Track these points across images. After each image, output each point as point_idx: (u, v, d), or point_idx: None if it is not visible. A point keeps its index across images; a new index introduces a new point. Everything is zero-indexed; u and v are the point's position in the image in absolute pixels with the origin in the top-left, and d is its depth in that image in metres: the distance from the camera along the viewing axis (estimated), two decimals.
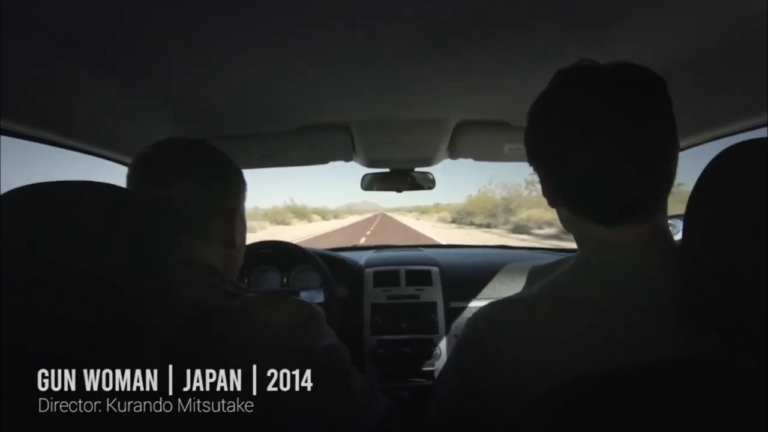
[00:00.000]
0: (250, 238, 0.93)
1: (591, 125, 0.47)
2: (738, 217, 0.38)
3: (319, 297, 1.47)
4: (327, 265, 1.48)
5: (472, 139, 1.35)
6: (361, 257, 1.85)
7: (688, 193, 0.43)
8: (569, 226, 0.57)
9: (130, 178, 0.61)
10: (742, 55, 0.74)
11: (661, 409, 0.38)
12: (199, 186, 0.61)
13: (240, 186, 0.69)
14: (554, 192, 0.56)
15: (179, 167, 0.61)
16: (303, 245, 1.59)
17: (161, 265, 0.42)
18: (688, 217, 0.43)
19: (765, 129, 0.93)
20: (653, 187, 0.49)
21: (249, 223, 0.79)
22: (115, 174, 0.87)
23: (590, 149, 0.48)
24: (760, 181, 0.37)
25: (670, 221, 0.53)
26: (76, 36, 0.67)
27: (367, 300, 1.59)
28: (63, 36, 0.66)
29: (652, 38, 0.74)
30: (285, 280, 1.67)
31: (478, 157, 1.54)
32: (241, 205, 0.70)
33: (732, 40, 0.72)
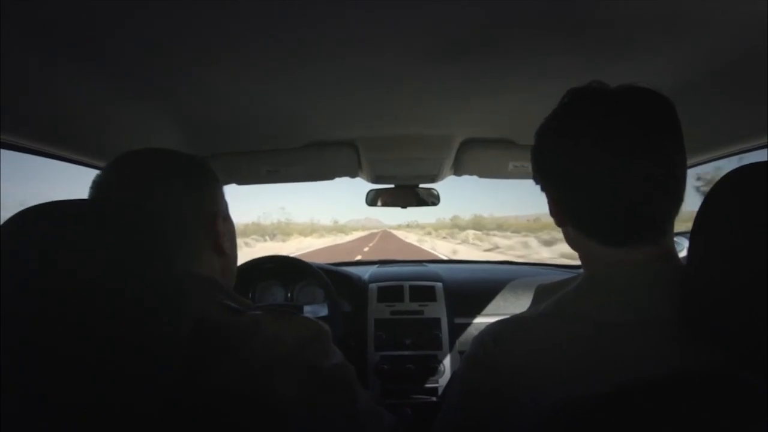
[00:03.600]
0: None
1: (600, 147, 0.48)
2: (743, 238, 0.38)
3: (322, 312, 1.47)
4: (331, 280, 1.48)
5: (477, 157, 1.37)
6: (365, 272, 1.84)
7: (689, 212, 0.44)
8: (575, 245, 0.57)
9: (96, 190, 0.59)
10: (748, 74, 0.76)
11: (670, 425, 0.38)
12: (170, 194, 0.59)
13: (214, 186, 0.67)
14: (562, 211, 0.56)
15: (148, 177, 0.59)
16: (307, 259, 1.60)
17: (168, 277, 0.42)
18: (693, 237, 0.44)
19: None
20: (661, 209, 0.50)
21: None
22: None
23: (599, 171, 0.49)
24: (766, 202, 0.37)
25: (675, 239, 0.54)
26: (84, 51, 0.68)
27: (370, 315, 1.58)
28: (71, 51, 0.67)
29: (657, 59, 0.75)
30: (289, 294, 1.67)
31: (483, 174, 1.55)
32: (221, 206, 0.67)
33: (737, 61, 0.73)
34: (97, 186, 0.59)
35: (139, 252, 0.41)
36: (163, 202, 0.59)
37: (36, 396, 0.35)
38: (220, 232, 0.64)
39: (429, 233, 63.81)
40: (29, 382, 0.35)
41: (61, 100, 0.80)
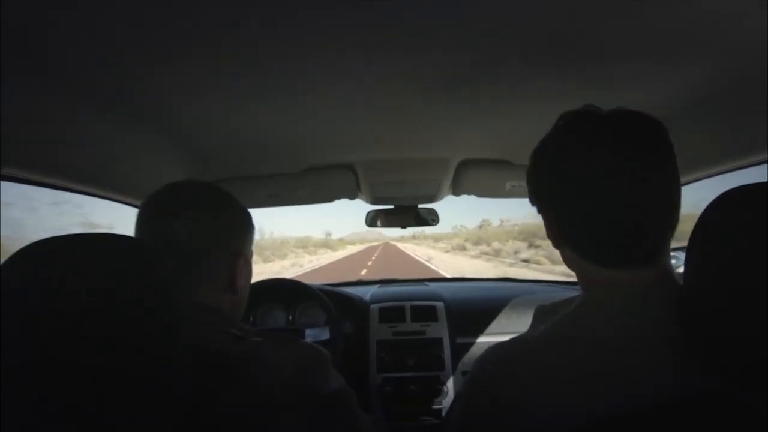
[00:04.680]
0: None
1: (595, 170, 0.49)
2: (739, 259, 0.39)
3: (324, 334, 1.46)
4: (332, 302, 1.48)
5: (475, 177, 1.38)
6: (366, 293, 1.84)
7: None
8: (573, 266, 0.58)
9: (139, 215, 0.62)
10: (740, 95, 0.77)
11: None
12: (198, 223, 0.61)
13: (245, 229, 0.68)
14: (558, 233, 0.57)
15: (181, 204, 0.62)
16: (307, 280, 1.59)
17: (170, 309, 0.43)
18: (689, 258, 0.44)
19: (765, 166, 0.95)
20: (658, 231, 0.50)
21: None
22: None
23: (594, 194, 0.50)
24: (763, 224, 0.38)
25: (672, 254, 0.54)
26: (84, 84, 0.69)
27: (372, 336, 1.57)
28: (73, 85, 0.69)
29: (652, 82, 0.77)
30: (290, 317, 1.66)
31: (481, 194, 1.57)
32: (246, 249, 0.68)
33: (729, 83, 0.75)
34: (142, 205, 0.62)
35: (134, 282, 0.42)
36: (189, 226, 0.60)
37: (32, 421, 0.36)
38: (238, 268, 0.65)
39: (446, 248, 42.45)
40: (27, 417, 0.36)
41: (69, 134, 0.81)
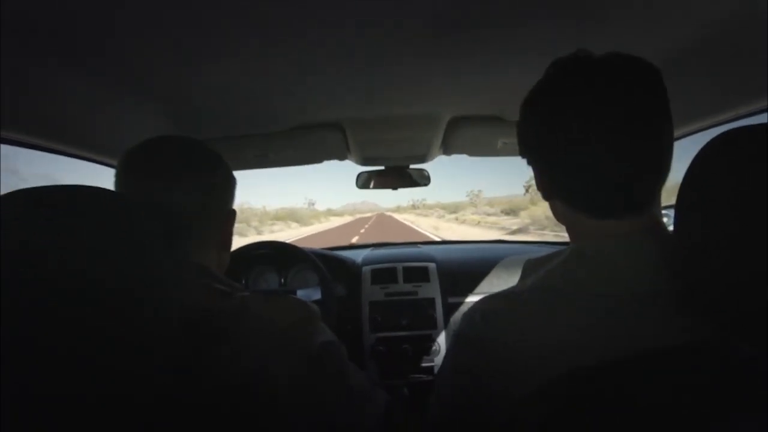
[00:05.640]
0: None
1: (585, 117, 0.48)
2: (730, 206, 0.38)
3: (315, 295, 1.47)
4: (324, 265, 1.48)
5: (466, 135, 1.35)
6: (359, 255, 1.85)
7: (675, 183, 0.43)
8: (562, 218, 0.57)
9: (120, 176, 0.60)
10: (736, 43, 0.75)
11: (660, 400, 0.38)
12: (196, 188, 0.61)
13: (233, 188, 0.69)
14: (548, 184, 0.56)
15: (175, 168, 0.60)
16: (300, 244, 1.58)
17: (156, 268, 0.42)
18: (679, 207, 0.43)
19: (756, 117, 0.93)
20: (649, 179, 0.49)
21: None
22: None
23: (585, 141, 0.48)
24: (752, 167, 0.37)
25: (663, 211, 0.53)
26: (65, 39, 0.66)
27: (365, 298, 1.59)
28: (52, 39, 0.65)
29: (647, 30, 0.74)
30: (283, 280, 1.67)
31: (472, 153, 1.54)
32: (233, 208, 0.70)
33: (725, 29, 0.72)
34: (125, 169, 0.60)
35: (121, 241, 0.40)
36: (188, 192, 0.60)
37: (23, 390, 0.35)
38: (230, 231, 0.68)
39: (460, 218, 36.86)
40: (13, 376, 0.35)
41: (49, 93, 0.78)
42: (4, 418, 0.34)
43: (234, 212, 0.69)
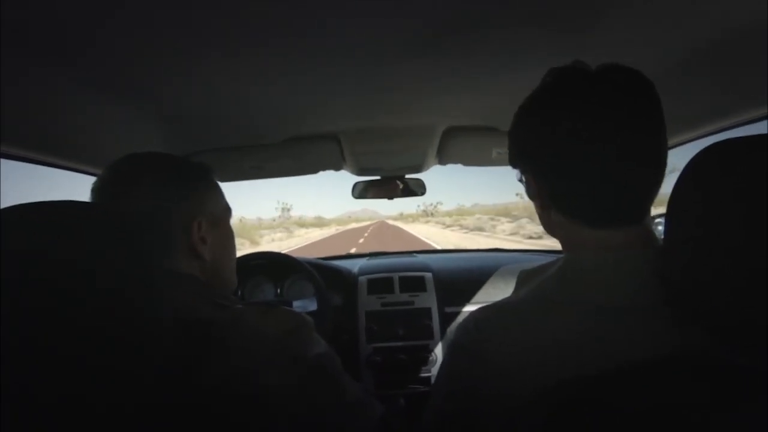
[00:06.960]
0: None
1: (581, 127, 0.48)
2: (722, 214, 0.38)
3: (312, 306, 1.46)
4: (320, 275, 1.47)
5: (461, 145, 1.37)
6: (355, 265, 1.84)
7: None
8: (557, 228, 0.57)
9: (94, 191, 0.62)
10: (736, 52, 0.76)
11: (653, 410, 0.38)
12: (148, 188, 0.61)
13: (207, 196, 0.67)
14: (545, 195, 0.56)
15: (136, 178, 0.61)
16: (296, 254, 1.58)
17: (147, 278, 0.42)
18: (670, 217, 0.43)
19: (755, 126, 0.94)
20: (643, 189, 0.50)
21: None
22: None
23: (580, 151, 0.48)
24: (743, 177, 0.37)
25: (657, 220, 0.54)
26: (58, 49, 0.66)
27: (361, 308, 1.58)
28: (45, 49, 0.65)
29: (640, 40, 0.75)
30: (279, 290, 1.66)
31: (467, 162, 1.55)
32: (208, 211, 0.66)
33: (717, 39, 0.73)
34: (95, 186, 0.62)
35: (113, 249, 0.40)
36: (148, 204, 0.60)
37: (23, 390, 0.35)
38: (196, 236, 0.64)
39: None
40: (13, 376, 0.35)
41: (39, 103, 0.77)
42: (4, 418, 0.34)
43: (196, 217, 0.64)
